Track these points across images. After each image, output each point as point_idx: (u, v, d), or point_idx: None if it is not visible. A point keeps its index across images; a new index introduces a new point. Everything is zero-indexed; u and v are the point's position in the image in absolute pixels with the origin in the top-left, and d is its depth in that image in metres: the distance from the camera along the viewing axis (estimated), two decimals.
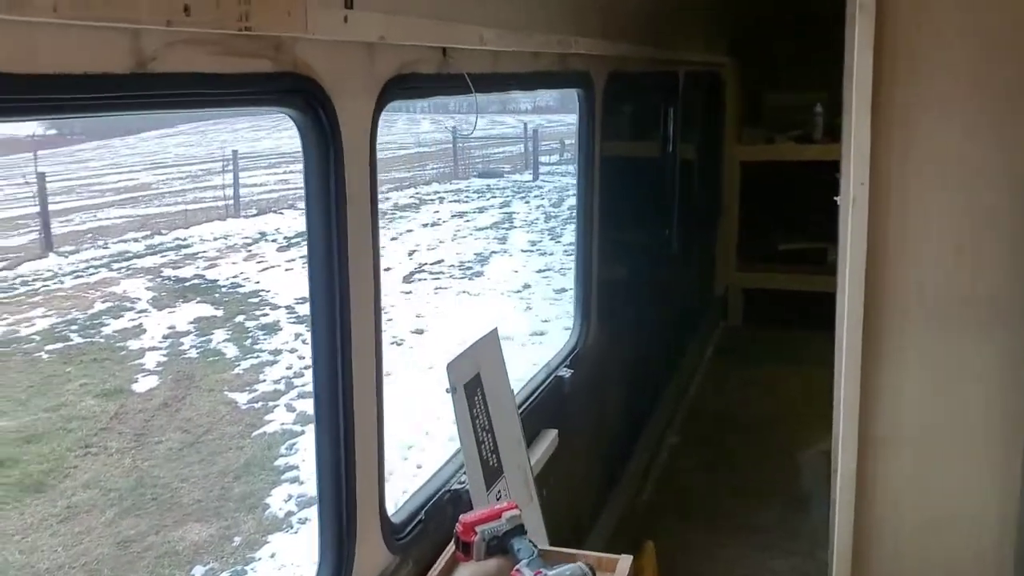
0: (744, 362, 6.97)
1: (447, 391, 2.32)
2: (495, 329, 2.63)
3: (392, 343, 12.11)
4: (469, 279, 15.53)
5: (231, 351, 11.96)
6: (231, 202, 21.26)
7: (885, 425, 2.76)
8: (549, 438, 3.10)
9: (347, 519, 2.02)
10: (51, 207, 25.78)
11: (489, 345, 2.56)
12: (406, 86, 2.21)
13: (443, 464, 2.66)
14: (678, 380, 6.07)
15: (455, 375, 2.31)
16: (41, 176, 17.40)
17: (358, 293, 2.05)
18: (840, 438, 2.80)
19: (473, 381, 2.40)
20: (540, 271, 15.96)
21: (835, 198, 2.99)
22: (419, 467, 8.37)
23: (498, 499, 2.42)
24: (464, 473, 2.43)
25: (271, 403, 10.02)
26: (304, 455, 8.65)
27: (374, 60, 2.04)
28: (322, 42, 1.75)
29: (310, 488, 7.83)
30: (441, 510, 2.40)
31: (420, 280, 15.49)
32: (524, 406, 3.00)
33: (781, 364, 6.75)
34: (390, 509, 2.21)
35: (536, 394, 3.15)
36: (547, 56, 2.99)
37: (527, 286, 14.86)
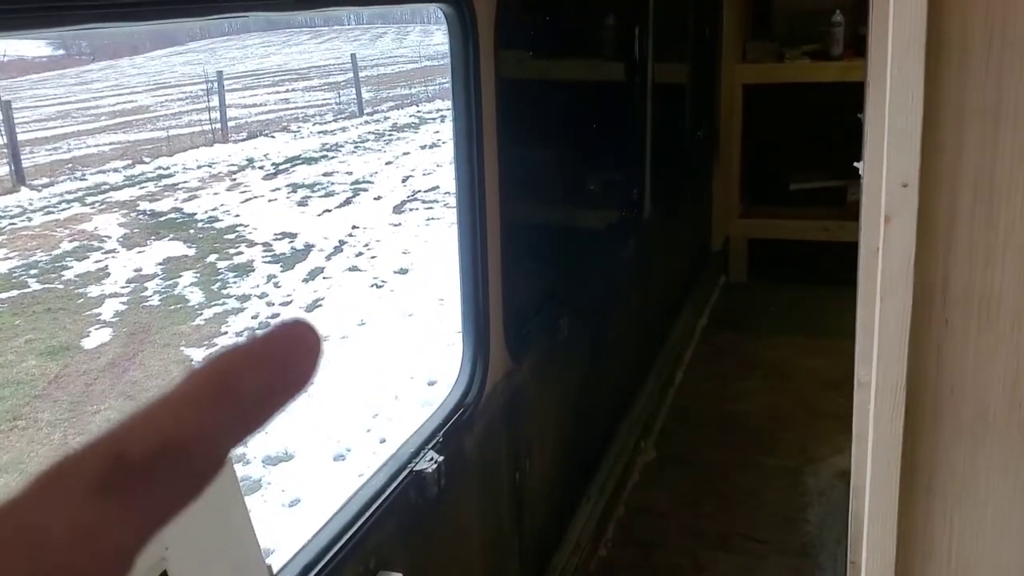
0: (745, 334, 5.74)
1: None
2: (227, 459, 1.45)
3: (372, 286, 11.13)
4: None
5: (196, 297, 11.00)
6: (219, 126, 20.06)
7: None
8: None
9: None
10: (44, 133, 24.94)
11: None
12: None
13: None
14: (659, 370, 4.86)
15: None
16: (7, 105, 16.20)
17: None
18: None
19: None
20: None
21: (859, 115, 2.03)
22: (383, 441, 7.47)
23: None
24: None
25: None
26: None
27: None
28: None
29: (254, 471, 6.97)
30: None
31: (412, 211, 14.36)
32: (346, 540, 1.89)
33: (791, 335, 5.54)
34: None
35: (371, 516, 2.00)
36: None
37: None
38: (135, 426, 0.32)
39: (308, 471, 6.90)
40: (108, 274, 12.02)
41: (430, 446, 2.23)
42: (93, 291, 11.39)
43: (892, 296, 1.48)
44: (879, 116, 1.49)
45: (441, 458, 2.20)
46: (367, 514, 2.01)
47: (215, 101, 20.92)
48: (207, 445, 0.34)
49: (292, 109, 25.90)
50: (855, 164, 2.00)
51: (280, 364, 0.34)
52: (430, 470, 2.16)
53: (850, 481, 2.11)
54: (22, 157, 17.63)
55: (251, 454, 7.11)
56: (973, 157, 1.41)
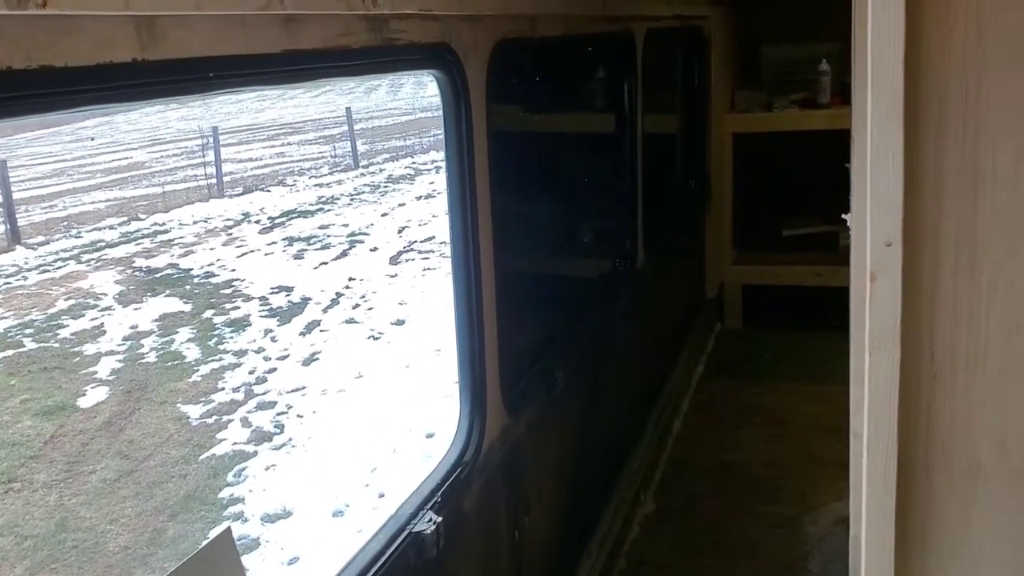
0: (742, 381, 5.75)
1: None
2: (227, 531, 1.47)
3: (369, 338, 11.11)
4: None
5: (192, 353, 10.96)
6: (214, 181, 20.17)
7: None
8: None
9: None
10: (41, 191, 25.02)
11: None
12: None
13: None
14: (657, 419, 4.86)
15: None
16: (2, 164, 16.29)
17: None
18: None
19: None
20: None
21: (846, 165, 2.10)
22: (382, 496, 7.41)
23: None
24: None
25: (225, 417, 9.03)
26: (252, 484, 7.66)
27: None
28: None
29: (252, 529, 6.89)
30: None
31: (408, 261, 14.38)
32: None
33: (788, 381, 5.57)
34: None
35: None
36: (355, 23, 1.83)
37: None
38: None
39: (307, 528, 6.84)
40: (104, 332, 11.99)
41: (428, 506, 2.22)
42: (89, 349, 11.35)
43: (880, 352, 1.50)
44: (862, 175, 1.51)
45: (440, 518, 2.19)
46: None
47: (210, 156, 21.04)
48: None
49: (288, 163, 26.06)
50: (843, 216, 2.03)
51: None
52: (429, 531, 2.15)
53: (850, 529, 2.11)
54: (17, 216, 17.70)
55: (249, 512, 7.06)
56: (954, 216, 1.44)
